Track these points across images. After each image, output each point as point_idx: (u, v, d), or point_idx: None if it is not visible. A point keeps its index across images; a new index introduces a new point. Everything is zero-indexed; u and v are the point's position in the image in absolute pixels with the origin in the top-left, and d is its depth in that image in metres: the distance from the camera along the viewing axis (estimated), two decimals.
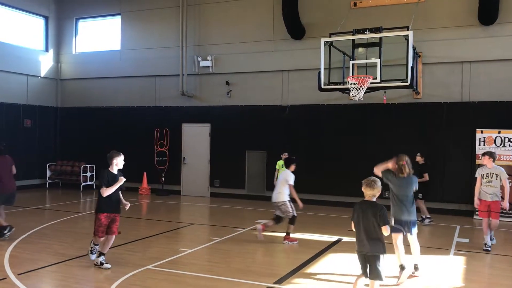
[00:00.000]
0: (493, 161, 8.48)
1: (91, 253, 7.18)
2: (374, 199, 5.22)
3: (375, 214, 5.06)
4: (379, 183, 5.23)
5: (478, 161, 11.47)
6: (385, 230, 5.05)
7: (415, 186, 6.81)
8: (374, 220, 5.05)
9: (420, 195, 10.69)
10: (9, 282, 6.27)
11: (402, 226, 6.67)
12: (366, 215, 5.11)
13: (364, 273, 5.21)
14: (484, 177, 8.47)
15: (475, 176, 8.69)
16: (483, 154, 8.68)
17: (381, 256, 5.11)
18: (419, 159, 11.07)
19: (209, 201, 14.83)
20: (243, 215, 12.38)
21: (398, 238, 6.61)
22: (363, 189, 5.25)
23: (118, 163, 7.34)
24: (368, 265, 5.16)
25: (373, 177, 5.29)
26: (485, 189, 8.40)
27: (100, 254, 7.05)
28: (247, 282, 6.42)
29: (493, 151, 9.47)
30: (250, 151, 14.91)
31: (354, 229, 5.27)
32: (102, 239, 7.03)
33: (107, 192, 6.96)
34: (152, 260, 7.35)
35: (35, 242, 8.60)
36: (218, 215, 12.72)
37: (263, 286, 6.27)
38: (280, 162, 12.41)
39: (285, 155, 12.07)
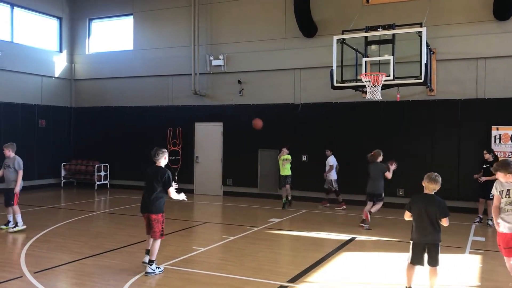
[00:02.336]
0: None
1: (152, 266, 6.58)
2: (434, 193, 5.65)
3: (439, 206, 5.53)
4: (440, 178, 5.62)
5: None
6: (446, 222, 5.55)
7: None
8: (438, 211, 5.50)
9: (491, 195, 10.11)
10: (25, 280, 6.35)
11: None
12: (430, 207, 5.53)
13: (418, 262, 5.66)
14: (504, 196, 5.83)
15: (491, 193, 6.19)
16: (498, 168, 5.86)
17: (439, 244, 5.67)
18: (487, 156, 10.64)
19: (222, 199, 14.86)
20: (255, 214, 12.38)
21: None
22: (425, 183, 5.64)
23: (167, 158, 6.94)
24: (426, 254, 5.63)
25: (435, 173, 5.66)
26: (506, 217, 5.80)
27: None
28: (260, 281, 6.41)
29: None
30: (262, 150, 14.90)
31: (410, 219, 5.73)
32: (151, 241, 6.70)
33: (173, 193, 6.70)
34: (165, 259, 7.38)
35: (51, 241, 8.70)
36: (231, 213, 12.74)
37: (276, 285, 6.25)
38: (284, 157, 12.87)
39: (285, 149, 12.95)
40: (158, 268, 6.70)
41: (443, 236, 5.73)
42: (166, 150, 7.00)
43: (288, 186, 12.87)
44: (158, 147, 7.00)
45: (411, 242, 5.72)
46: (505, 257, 6.00)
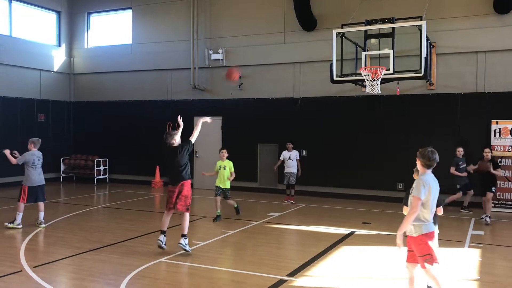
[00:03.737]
0: None
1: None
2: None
3: None
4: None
5: (494, 153, 11.34)
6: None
7: None
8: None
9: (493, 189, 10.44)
10: (25, 274, 6.36)
11: None
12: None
13: None
14: None
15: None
16: None
17: None
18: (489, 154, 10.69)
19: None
20: (255, 208, 12.39)
21: None
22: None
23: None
24: None
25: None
26: None
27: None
28: (259, 275, 6.42)
29: None
30: (262, 144, 14.88)
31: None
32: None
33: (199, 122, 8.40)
34: (165, 253, 7.38)
35: (50, 235, 8.70)
36: (230, 208, 12.74)
37: (276, 279, 6.26)
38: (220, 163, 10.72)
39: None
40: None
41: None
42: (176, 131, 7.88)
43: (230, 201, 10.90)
44: (168, 132, 7.86)
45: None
46: None
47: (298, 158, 12.80)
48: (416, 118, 12.88)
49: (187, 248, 7.37)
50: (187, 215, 7.62)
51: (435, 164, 4.92)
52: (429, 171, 4.93)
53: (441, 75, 12.64)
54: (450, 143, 12.32)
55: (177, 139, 7.74)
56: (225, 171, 10.51)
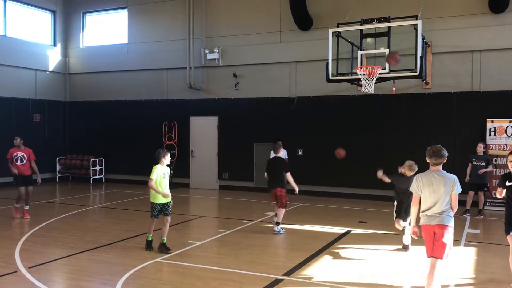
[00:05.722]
0: None
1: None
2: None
3: None
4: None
5: (489, 151, 11.39)
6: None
7: None
8: None
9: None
10: (20, 275, 6.33)
11: None
12: None
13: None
14: None
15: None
16: None
17: None
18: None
19: (218, 193, 14.85)
20: (251, 208, 12.39)
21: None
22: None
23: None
24: None
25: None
26: None
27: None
28: (255, 274, 6.42)
29: None
30: (258, 143, 14.88)
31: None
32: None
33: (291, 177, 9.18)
34: (161, 253, 7.37)
35: (46, 236, 8.67)
36: (227, 207, 12.74)
37: (272, 278, 6.26)
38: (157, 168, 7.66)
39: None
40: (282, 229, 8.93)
41: None
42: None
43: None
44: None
45: None
46: None
47: (286, 157, 12.68)
48: (412, 117, 12.91)
49: (281, 231, 8.92)
50: (283, 210, 9.02)
51: (439, 162, 5.11)
52: (434, 168, 5.14)
53: (437, 74, 12.67)
54: (446, 141, 12.34)
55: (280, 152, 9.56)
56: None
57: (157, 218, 7.55)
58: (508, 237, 5.74)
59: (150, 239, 7.59)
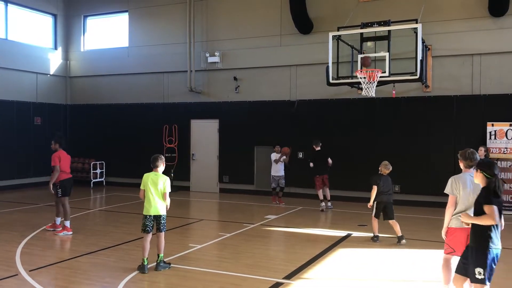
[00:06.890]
0: None
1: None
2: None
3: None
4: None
5: (490, 155, 11.39)
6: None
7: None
8: None
9: None
10: (20, 278, 6.34)
11: None
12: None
13: None
14: None
15: None
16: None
17: None
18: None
19: (218, 196, 14.85)
20: (252, 211, 12.39)
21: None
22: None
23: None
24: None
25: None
26: None
27: None
28: (256, 278, 6.42)
29: None
30: (258, 147, 14.89)
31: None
32: None
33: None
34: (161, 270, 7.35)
35: (46, 239, 8.68)
36: (227, 210, 12.73)
37: (272, 282, 6.26)
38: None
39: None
40: None
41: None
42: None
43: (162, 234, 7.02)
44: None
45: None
46: None
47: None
48: (412, 121, 12.92)
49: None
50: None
51: (472, 164, 5.23)
52: (468, 170, 5.30)
53: (437, 78, 12.69)
54: (446, 145, 12.37)
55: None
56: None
57: (149, 233, 6.70)
58: None
59: (146, 262, 6.55)
